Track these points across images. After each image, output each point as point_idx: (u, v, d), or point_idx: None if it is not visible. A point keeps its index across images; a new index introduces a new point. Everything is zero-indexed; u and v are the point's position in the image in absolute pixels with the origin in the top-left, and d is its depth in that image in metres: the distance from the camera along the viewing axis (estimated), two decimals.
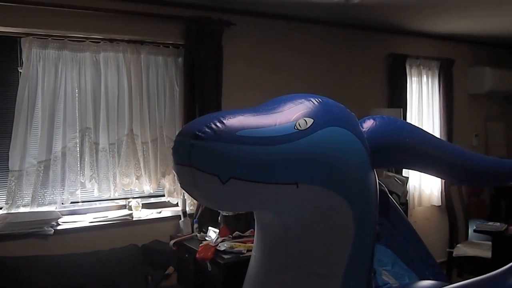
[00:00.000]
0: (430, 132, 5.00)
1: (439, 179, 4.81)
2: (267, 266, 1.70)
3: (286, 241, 1.61)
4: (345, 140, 1.60)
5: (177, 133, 1.53)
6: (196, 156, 1.39)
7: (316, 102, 1.62)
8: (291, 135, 1.48)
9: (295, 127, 1.50)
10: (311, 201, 1.54)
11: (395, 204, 2.46)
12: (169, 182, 3.65)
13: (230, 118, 1.44)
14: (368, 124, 1.75)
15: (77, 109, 3.33)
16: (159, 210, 3.69)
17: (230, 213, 3.30)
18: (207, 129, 1.39)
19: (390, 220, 2.41)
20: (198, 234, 3.44)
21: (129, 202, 3.59)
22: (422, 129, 1.89)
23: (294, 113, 1.55)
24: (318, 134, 1.52)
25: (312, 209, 1.56)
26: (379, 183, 1.81)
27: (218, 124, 1.40)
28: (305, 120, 1.52)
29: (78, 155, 3.33)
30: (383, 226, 2.30)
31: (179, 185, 1.57)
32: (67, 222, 3.29)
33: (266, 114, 1.54)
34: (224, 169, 1.39)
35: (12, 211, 3.15)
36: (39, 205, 3.23)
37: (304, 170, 1.49)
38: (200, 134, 1.39)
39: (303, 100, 1.62)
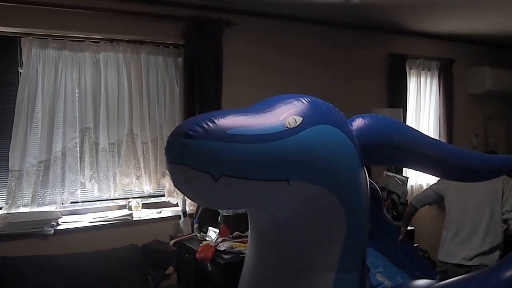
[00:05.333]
0: (430, 132, 5.06)
1: (438, 178, 4.81)
2: (260, 263, 1.72)
3: (278, 238, 1.64)
4: (334, 138, 1.63)
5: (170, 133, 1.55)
6: (188, 155, 1.42)
7: (305, 102, 1.66)
8: (280, 133, 1.51)
9: (285, 126, 1.53)
10: (302, 198, 1.57)
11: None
12: (169, 182, 3.65)
13: (221, 117, 1.47)
14: (357, 122, 1.79)
15: (77, 109, 3.34)
16: (159, 210, 3.70)
17: (230, 213, 3.31)
18: (198, 128, 1.42)
19: (377, 223, 2.43)
20: (198, 234, 3.44)
21: (129, 202, 3.59)
22: (411, 127, 1.94)
23: (284, 112, 1.58)
24: (307, 132, 1.55)
25: (303, 206, 1.59)
26: (370, 181, 1.83)
27: (209, 123, 1.43)
28: (294, 119, 1.56)
29: (78, 155, 3.34)
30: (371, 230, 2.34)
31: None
32: (67, 222, 3.30)
33: (256, 113, 1.57)
34: (215, 166, 1.41)
35: (12, 211, 3.15)
36: (39, 205, 3.23)
37: (294, 167, 1.52)
38: (191, 133, 1.41)
39: (292, 99, 1.66)
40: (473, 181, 2.31)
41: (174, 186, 1.58)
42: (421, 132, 1.89)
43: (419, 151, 1.78)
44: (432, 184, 3.39)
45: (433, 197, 3.27)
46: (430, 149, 1.80)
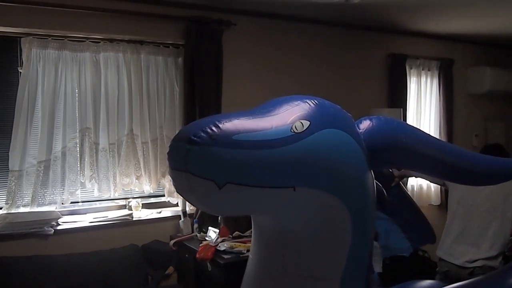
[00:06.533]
0: (430, 131, 5.05)
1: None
2: (263, 269, 1.69)
3: (283, 244, 1.61)
4: (341, 142, 1.58)
5: (172, 138, 1.52)
6: (192, 161, 1.37)
7: (312, 104, 1.60)
8: (287, 138, 1.46)
9: (292, 130, 1.48)
10: (309, 204, 1.53)
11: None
12: (169, 182, 3.64)
13: (226, 122, 1.42)
14: (364, 125, 1.73)
15: (77, 109, 3.34)
16: (159, 210, 3.70)
17: None
18: (202, 134, 1.37)
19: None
20: (198, 234, 3.44)
21: (129, 202, 3.59)
22: (419, 129, 1.87)
23: (290, 115, 1.53)
24: (315, 137, 1.50)
25: (309, 212, 1.55)
26: (376, 183, 1.81)
27: (213, 128, 1.38)
28: (301, 123, 1.50)
29: (78, 155, 3.34)
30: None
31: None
32: (67, 222, 3.30)
33: (262, 117, 1.52)
34: (220, 174, 1.37)
35: (12, 211, 3.15)
36: (39, 205, 3.23)
37: (301, 173, 1.47)
38: (195, 139, 1.37)
39: (299, 102, 1.60)
40: (482, 185, 2.27)
41: (177, 192, 1.54)
42: (429, 135, 1.84)
43: (428, 154, 1.74)
44: None
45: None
46: (439, 152, 1.75)
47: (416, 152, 1.74)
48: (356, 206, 1.60)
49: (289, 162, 1.45)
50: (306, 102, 1.60)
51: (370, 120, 1.75)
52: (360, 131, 1.69)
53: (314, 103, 1.61)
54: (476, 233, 2.94)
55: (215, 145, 1.37)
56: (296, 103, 1.59)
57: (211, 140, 1.37)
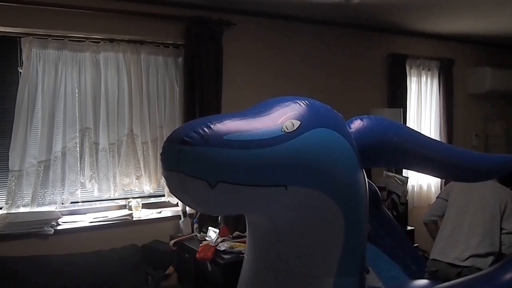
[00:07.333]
0: (430, 131, 5.05)
1: (438, 178, 4.80)
2: (258, 268, 1.70)
3: (276, 242, 1.63)
4: (332, 141, 1.60)
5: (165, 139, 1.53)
6: (184, 161, 1.40)
7: (303, 105, 1.62)
8: (278, 137, 1.48)
9: (282, 130, 1.50)
10: (301, 203, 1.55)
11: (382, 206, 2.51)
12: None
13: (217, 123, 1.44)
14: (355, 124, 1.76)
15: (77, 109, 3.34)
16: (159, 210, 3.70)
17: None
18: (194, 134, 1.40)
19: (377, 221, 2.43)
20: (198, 234, 3.44)
21: (129, 202, 3.59)
22: (410, 128, 1.90)
23: (281, 116, 1.56)
24: (305, 136, 1.53)
25: (301, 210, 1.57)
26: (369, 182, 1.82)
27: (205, 129, 1.41)
28: (292, 123, 1.53)
29: (78, 155, 3.34)
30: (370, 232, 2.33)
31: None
32: (67, 222, 3.30)
33: (253, 118, 1.55)
34: (212, 173, 1.39)
35: (12, 211, 3.15)
36: (39, 205, 3.23)
37: (292, 172, 1.49)
38: (187, 139, 1.39)
39: (290, 102, 1.63)
40: (474, 181, 2.29)
41: (170, 192, 1.56)
42: (420, 133, 1.87)
43: (418, 153, 1.76)
44: (438, 195, 3.34)
45: (442, 206, 3.20)
46: (430, 150, 1.78)
47: (408, 151, 1.76)
48: (348, 204, 1.62)
49: (280, 161, 1.47)
50: (297, 102, 1.63)
51: (361, 119, 1.78)
52: (351, 130, 1.72)
53: (305, 103, 1.64)
54: (466, 231, 2.97)
55: (206, 145, 1.39)
56: (287, 103, 1.62)
57: (202, 140, 1.39)
